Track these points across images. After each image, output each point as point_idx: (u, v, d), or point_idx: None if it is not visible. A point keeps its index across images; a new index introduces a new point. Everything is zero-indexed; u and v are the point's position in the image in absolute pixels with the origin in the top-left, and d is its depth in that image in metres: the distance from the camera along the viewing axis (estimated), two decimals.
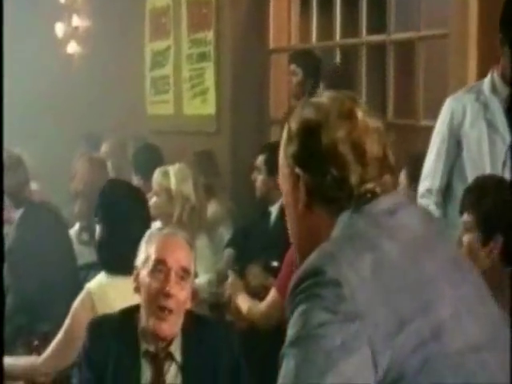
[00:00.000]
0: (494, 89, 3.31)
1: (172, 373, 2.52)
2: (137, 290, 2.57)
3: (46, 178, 5.68)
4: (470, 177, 3.31)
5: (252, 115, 6.00)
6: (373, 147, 1.53)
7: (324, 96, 1.60)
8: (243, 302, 3.71)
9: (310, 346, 1.34)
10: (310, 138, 1.54)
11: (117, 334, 2.52)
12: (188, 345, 2.54)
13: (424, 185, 3.47)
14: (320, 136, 1.51)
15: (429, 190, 3.44)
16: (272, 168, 4.50)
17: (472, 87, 3.50)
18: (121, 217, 3.08)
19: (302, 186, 1.55)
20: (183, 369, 2.52)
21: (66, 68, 7.31)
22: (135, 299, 2.60)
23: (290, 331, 1.38)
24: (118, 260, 2.94)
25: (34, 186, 5.29)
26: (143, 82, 6.71)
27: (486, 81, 3.36)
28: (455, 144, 3.37)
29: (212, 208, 5.13)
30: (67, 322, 2.94)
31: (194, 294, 3.84)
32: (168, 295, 2.47)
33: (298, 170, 1.55)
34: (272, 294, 3.52)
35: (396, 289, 1.39)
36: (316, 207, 1.55)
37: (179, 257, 2.54)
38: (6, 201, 3.72)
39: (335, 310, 1.35)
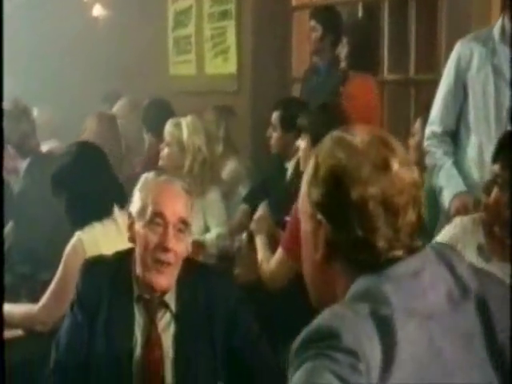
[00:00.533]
0: (503, 33, 3.21)
1: (165, 320, 2.45)
2: (131, 239, 2.46)
3: (67, 136, 5.66)
4: (473, 123, 3.24)
5: (274, 73, 5.91)
6: (407, 210, 1.38)
7: (358, 136, 1.43)
8: (260, 246, 3.64)
9: None
10: (338, 189, 1.38)
11: (110, 276, 2.45)
12: (183, 293, 2.45)
13: (430, 129, 3.39)
14: (349, 189, 1.36)
15: (434, 133, 3.37)
16: (287, 125, 4.44)
17: (482, 32, 3.40)
18: (78, 179, 3.04)
19: (322, 236, 1.41)
20: (177, 317, 2.44)
21: (91, 31, 7.27)
22: (127, 244, 2.53)
23: (297, 380, 1.25)
24: (89, 216, 2.96)
25: (54, 143, 5.31)
26: (166, 43, 6.66)
27: (497, 25, 3.26)
28: (461, 88, 3.29)
29: (231, 165, 5.09)
30: (60, 269, 2.92)
31: (200, 248, 3.82)
32: (166, 250, 2.37)
33: (320, 217, 1.41)
34: (278, 254, 3.46)
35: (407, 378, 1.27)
36: (335, 262, 1.42)
37: (177, 208, 2.41)
38: (11, 151, 3.71)
39: (347, 380, 1.22)
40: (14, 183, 3.81)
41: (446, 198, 3.27)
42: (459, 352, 1.36)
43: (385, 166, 1.38)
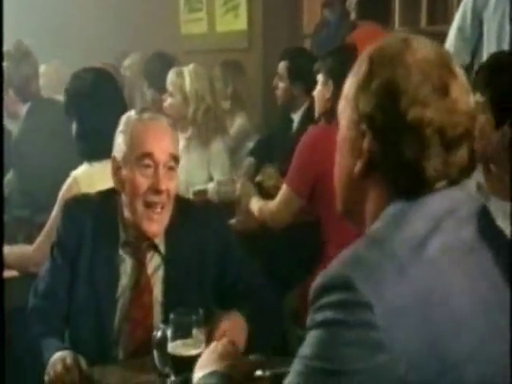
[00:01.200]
0: None
1: (155, 263, 2.32)
2: (119, 185, 2.29)
3: None
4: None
5: (284, 30, 5.85)
6: (461, 144, 1.29)
7: (420, 52, 1.31)
8: (254, 204, 3.62)
9: (325, 380, 1.19)
10: (393, 105, 1.27)
11: (94, 218, 2.31)
12: (172, 234, 2.32)
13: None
14: (406, 108, 1.26)
15: None
16: (294, 75, 4.39)
17: None
18: (92, 106, 2.93)
19: (365, 149, 1.31)
20: (167, 260, 2.32)
21: None
22: None
23: (307, 349, 1.22)
24: (98, 148, 2.82)
25: (61, 98, 5.27)
26: (177, 1, 6.59)
27: None
28: (478, 25, 3.19)
29: (239, 121, 5.04)
30: (54, 210, 2.86)
31: (203, 196, 3.79)
32: (159, 192, 2.22)
33: (366, 129, 1.31)
34: (282, 191, 3.42)
35: (442, 322, 1.19)
36: (372, 180, 1.32)
37: (165, 145, 2.24)
38: (12, 95, 3.67)
39: (363, 341, 1.16)
40: (14, 127, 3.79)
41: None
42: (493, 289, 1.29)
43: (444, 90, 1.29)
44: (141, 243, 2.31)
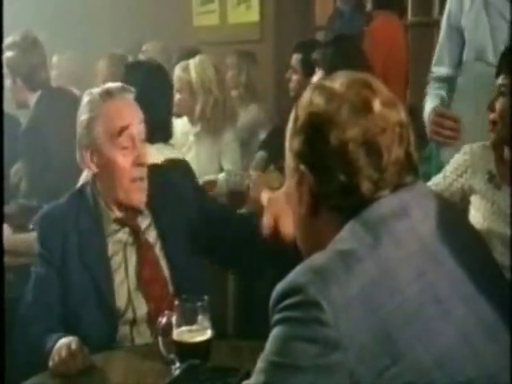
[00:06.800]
0: None
1: (144, 225, 2.39)
2: (99, 169, 2.32)
3: (87, 83, 5.64)
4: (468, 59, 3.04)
5: (297, 21, 5.84)
6: (392, 148, 1.32)
7: (338, 81, 1.38)
8: (264, 195, 3.60)
9: (283, 375, 1.22)
10: (316, 136, 1.33)
11: (73, 217, 2.34)
12: (155, 200, 2.39)
13: (434, 70, 3.25)
14: (328, 134, 1.32)
15: (431, 77, 3.22)
16: (307, 68, 4.36)
17: None
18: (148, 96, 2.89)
19: (306, 187, 1.37)
20: (156, 217, 2.39)
21: None
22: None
23: (269, 346, 1.26)
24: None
25: (74, 90, 5.27)
26: None
27: None
28: (457, 33, 3.11)
29: (252, 110, 5.02)
30: None
31: (213, 187, 3.79)
32: (142, 165, 2.30)
33: (302, 167, 1.37)
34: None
35: (391, 312, 1.22)
36: (321, 212, 1.38)
37: (137, 114, 2.32)
38: (20, 83, 3.67)
39: (314, 337, 1.20)
40: (24, 117, 3.78)
41: (426, 115, 3.07)
42: (457, 282, 1.31)
43: (365, 107, 1.33)
44: (128, 216, 2.37)
